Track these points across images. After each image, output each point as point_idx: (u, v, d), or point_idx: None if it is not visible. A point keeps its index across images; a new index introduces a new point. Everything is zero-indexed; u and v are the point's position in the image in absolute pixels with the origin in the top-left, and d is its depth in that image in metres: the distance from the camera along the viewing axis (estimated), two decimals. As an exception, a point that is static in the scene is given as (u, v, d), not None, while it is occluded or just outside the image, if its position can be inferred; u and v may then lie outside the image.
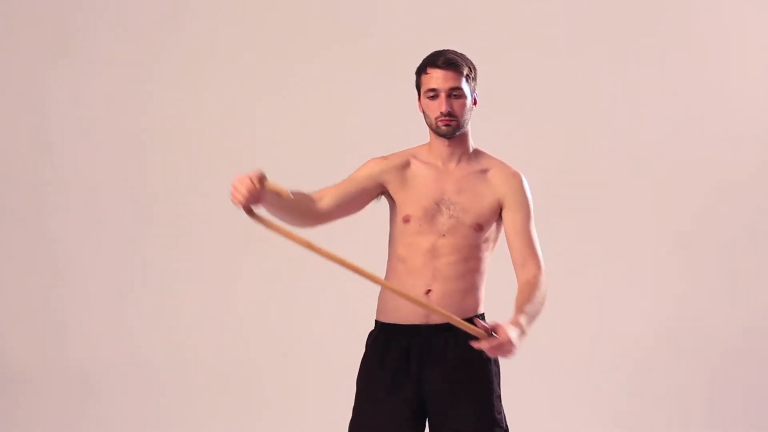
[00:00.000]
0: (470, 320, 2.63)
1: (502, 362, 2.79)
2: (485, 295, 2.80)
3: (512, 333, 2.47)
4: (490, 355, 2.52)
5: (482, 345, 2.47)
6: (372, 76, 4.82)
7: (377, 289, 2.73)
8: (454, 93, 2.67)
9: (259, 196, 2.42)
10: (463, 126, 2.71)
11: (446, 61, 2.67)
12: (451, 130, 2.69)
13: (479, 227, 2.71)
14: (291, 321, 4.84)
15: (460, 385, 2.69)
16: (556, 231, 4.82)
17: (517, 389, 4.34)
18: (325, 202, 2.72)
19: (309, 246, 2.44)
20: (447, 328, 2.68)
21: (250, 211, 2.44)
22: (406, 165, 2.77)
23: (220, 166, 4.90)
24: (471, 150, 2.77)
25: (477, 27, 4.82)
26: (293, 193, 2.53)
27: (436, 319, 2.69)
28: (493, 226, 2.75)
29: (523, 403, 4.50)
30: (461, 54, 2.72)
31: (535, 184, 4.70)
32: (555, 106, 4.84)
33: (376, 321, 2.80)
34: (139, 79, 4.91)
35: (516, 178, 2.76)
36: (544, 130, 4.84)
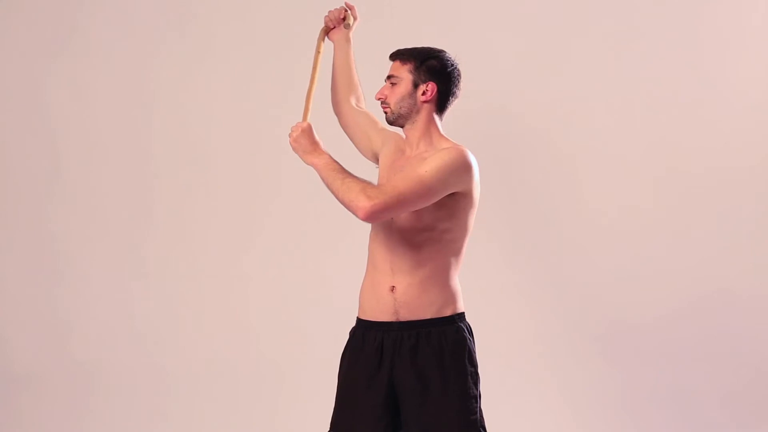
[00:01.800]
0: (443, 320, 2.69)
1: (483, 364, 2.80)
2: (466, 294, 2.79)
3: (307, 131, 2.72)
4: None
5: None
6: (373, 75, 4.82)
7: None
8: (391, 81, 2.77)
9: (340, 21, 3.03)
10: (398, 113, 2.75)
11: (392, 53, 2.80)
12: (388, 116, 2.78)
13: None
14: (294, 320, 4.84)
15: (430, 385, 2.68)
16: (554, 227, 4.85)
17: (504, 391, 4.36)
18: (354, 106, 3.04)
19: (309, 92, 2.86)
20: (418, 326, 2.70)
21: (325, 33, 3.06)
22: (395, 145, 2.86)
23: (223, 164, 4.91)
24: (434, 139, 2.77)
25: (475, 25, 4.83)
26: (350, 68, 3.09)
27: (405, 316, 2.71)
28: (446, 212, 2.68)
29: (510, 404, 4.54)
30: (419, 48, 2.78)
31: (536, 178, 4.78)
32: (553, 95, 4.84)
33: (357, 318, 2.84)
34: (141, 78, 4.91)
35: (445, 149, 2.68)
36: (544, 115, 4.83)
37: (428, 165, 2.62)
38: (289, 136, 2.73)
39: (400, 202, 2.56)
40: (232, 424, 4.71)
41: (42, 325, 4.91)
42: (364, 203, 2.53)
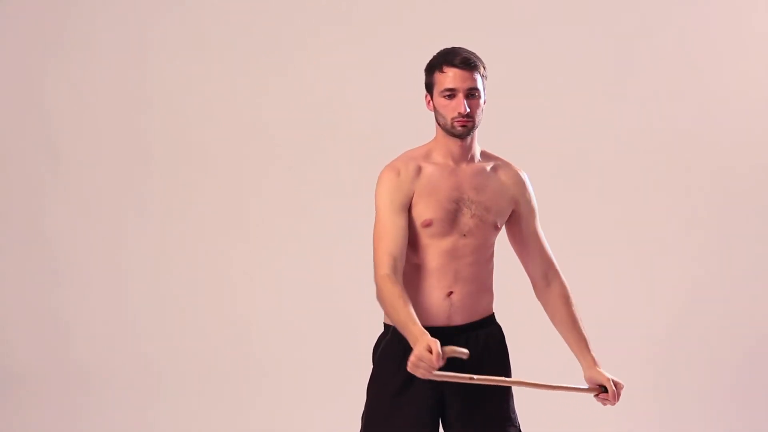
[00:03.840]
0: (487, 321, 2.74)
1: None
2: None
3: (607, 373, 2.69)
4: (615, 402, 2.69)
5: (610, 399, 2.69)
6: (373, 73, 4.82)
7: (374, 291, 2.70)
8: (472, 93, 2.62)
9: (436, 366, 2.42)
10: (477, 126, 2.67)
11: (464, 60, 2.60)
12: (466, 131, 2.64)
13: (497, 226, 2.71)
14: (293, 321, 4.84)
15: (479, 387, 2.66)
16: (561, 224, 4.84)
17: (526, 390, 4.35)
18: (401, 267, 2.64)
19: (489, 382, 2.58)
20: (467, 329, 2.70)
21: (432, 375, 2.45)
22: (418, 171, 2.68)
23: (221, 164, 4.90)
24: (478, 149, 2.75)
25: (474, 23, 4.83)
26: (405, 301, 2.53)
27: (456, 321, 2.69)
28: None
29: (532, 402, 4.53)
30: (474, 53, 2.65)
31: (539, 175, 4.76)
32: (557, 97, 4.84)
33: (386, 324, 2.76)
34: (138, 78, 4.91)
35: (523, 178, 2.78)
36: (548, 119, 4.83)
37: (534, 207, 2.79)
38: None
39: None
40: (230, 425, 4.71)
41: (42, 325, 4.91)
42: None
